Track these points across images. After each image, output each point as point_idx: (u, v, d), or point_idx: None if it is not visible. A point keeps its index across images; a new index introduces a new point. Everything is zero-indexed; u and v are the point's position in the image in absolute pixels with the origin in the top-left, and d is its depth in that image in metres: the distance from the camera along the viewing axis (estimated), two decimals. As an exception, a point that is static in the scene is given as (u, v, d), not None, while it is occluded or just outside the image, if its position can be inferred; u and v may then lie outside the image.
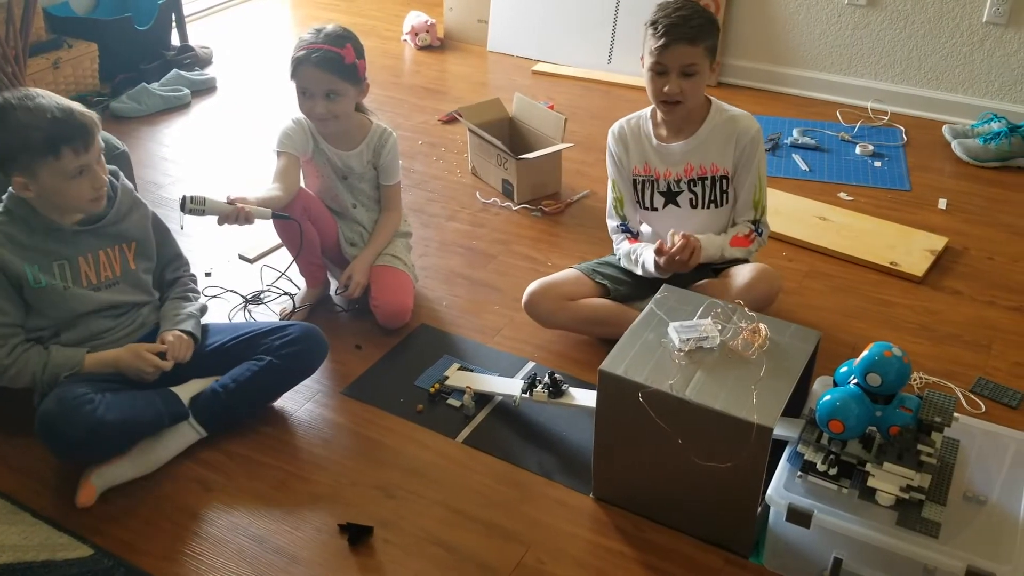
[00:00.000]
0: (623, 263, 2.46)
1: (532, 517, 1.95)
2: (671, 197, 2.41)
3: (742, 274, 2.30)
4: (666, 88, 2.24)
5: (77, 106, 1.96)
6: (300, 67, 2.41)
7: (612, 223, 2.51)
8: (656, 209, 2.43)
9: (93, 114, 1.98)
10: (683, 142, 2.35)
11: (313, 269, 2.62)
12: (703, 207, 2.39)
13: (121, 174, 2.15)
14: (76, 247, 2.05)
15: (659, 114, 2.37)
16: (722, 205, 2.39)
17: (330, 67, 2.38)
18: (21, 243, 1.99)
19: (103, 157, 2.02)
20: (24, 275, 1.98)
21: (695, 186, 2.38)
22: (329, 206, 2.61)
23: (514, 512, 1.97)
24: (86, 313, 2.07)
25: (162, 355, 2.08)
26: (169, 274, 2.27)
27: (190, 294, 2.27)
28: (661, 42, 2.20)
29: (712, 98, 2.39)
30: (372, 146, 2.57)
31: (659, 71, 2.24)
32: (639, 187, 2.44)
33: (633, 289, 2.44)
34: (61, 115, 1.91)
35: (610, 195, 2.49)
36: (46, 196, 1.97)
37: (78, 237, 2.05)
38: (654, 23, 2.23)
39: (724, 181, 2.37)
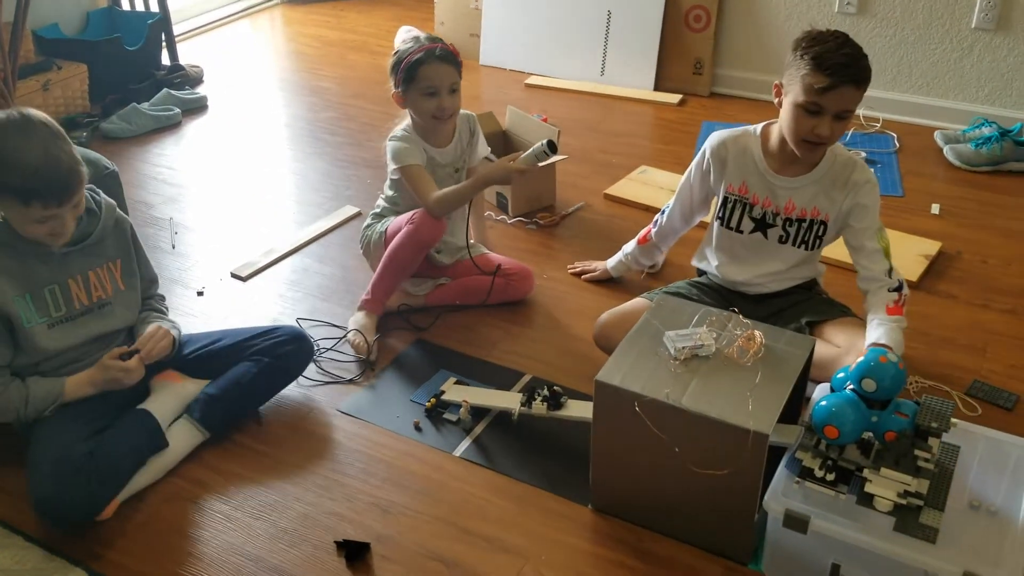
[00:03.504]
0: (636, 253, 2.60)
1: (531, 530, 1.94)
2: (761, 226, 2.28)
3: (855, 345, 2.15)
4: (818, 131, 2.05)
5: (68, 158, 1.86)
6: (425, 65, 2.45)
7: (659, 217, 2.53)
8: (742, 232, 2.30)
9: (82, 170, 1.90)
10: (793, 178, 2.21)
11: (392, 290, 2.57)
12: (791, 245, 2.27)
13: (100, 191, 2.13)
14: (66, 270, 2.03)
15: (772, 140, 2.21)
16: (812, 249, 2.27)
17: (452, 61, 2.49)
18: (11, 271, 1.97)
19: (82, 203, 1.96)
20: (18, 315, 1.96)
21: (790, 225, 2.25)
22: None
23: (513, 525, 1.95)
24: (69, 348, 2.06)
25: (129, 354, 2.07)
26: (142, 292, 2.24)
27: (163, 311, 2.28)
28: (827, 82, 1.99)
29: None
30: (464, 131, 2.65)
31: (813, 111, 2.04)
32: (729, 206, 2.30)
33: None
34: (45, 170, 1.82)
35: (671, 202, 2.48)
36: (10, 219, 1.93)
37: (67, 259, 2.03)
38: (817, 57, 2.00)
39: (822, 227, 2.23)
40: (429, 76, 2.46)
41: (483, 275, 2.63)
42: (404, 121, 2.60)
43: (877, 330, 2.12)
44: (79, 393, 2.03)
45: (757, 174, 2.24)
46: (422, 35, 2.52)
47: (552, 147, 2.38)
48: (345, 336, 2.50)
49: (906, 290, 2.20)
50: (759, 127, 2.26)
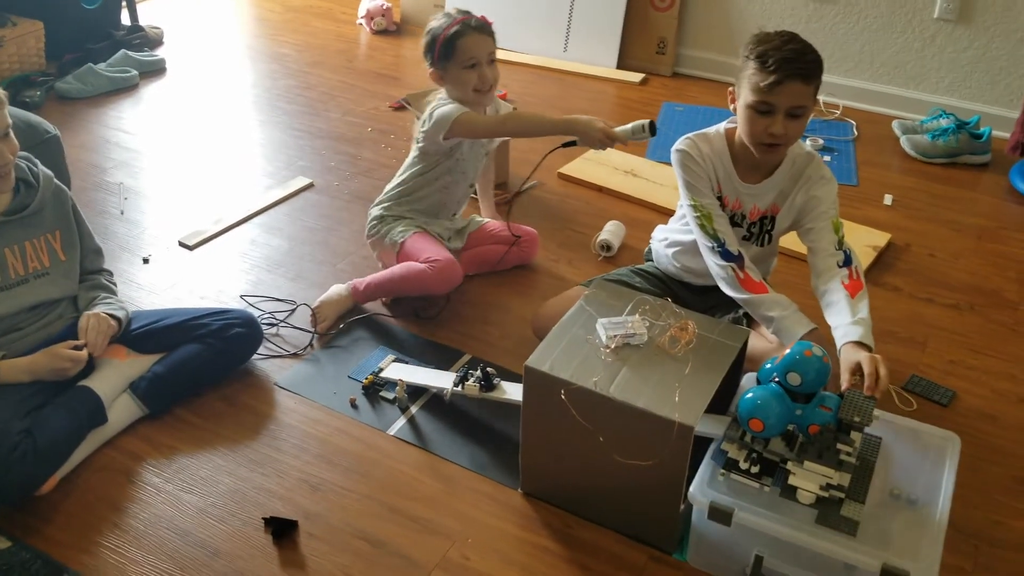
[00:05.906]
0: (745, 307, 2.13)
1: (459, 511, 1.95)
2: (731, 225, 2.21)
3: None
4: (772, 129, 2.01)
5: None
6: (463, 37, 2.45)
7: (706, 246, 2.15)
8: None
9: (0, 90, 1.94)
10: (755, 185, 2.17)
11: (383, 297, 2.58)
12: (752, 243, 2.25)
13: (38, 163, 2.11)
14: (2, 240, 2.01)
15: (736, 145, 2.16)
16: (766, 245, 2.25)
17: (487, 31, 2.50)
18: None
19: (12, 135, 1.96)
20: None
21: (753, 227, 2.23)
22: (443, 200, 2.63)
23: (441, 506, 1.96)
24: (5, 315, 2.03)
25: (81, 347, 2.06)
26: (87, 265, 2.21)
27: (111, 287, 2.25)
28: (772, 79, 1.96)
29: None
30: (495, 111, 2.65)
31: (763, 110, 2.01)
32: None
33: None
34: None
35: (693, 215, 2.15)
36: None
37: (4, 229, 2.00)
38: (761, 56, 1.98)
39: (771, 221, 2.21)
40: (468, 48, 2.45)
41: (493, 245, 2.69)
42: (439, 93, 2.57)
43: (844, 321, 1.94)
44: (13, 378, 2.00)
45: (727, 178, 2.20)
46: (452, 10, 2.51)
47: (652, 128, 2.32)
48: (296, 307, 2.52)
49: (856, 262, 2.07)
50: (721, 129, 2.19)
